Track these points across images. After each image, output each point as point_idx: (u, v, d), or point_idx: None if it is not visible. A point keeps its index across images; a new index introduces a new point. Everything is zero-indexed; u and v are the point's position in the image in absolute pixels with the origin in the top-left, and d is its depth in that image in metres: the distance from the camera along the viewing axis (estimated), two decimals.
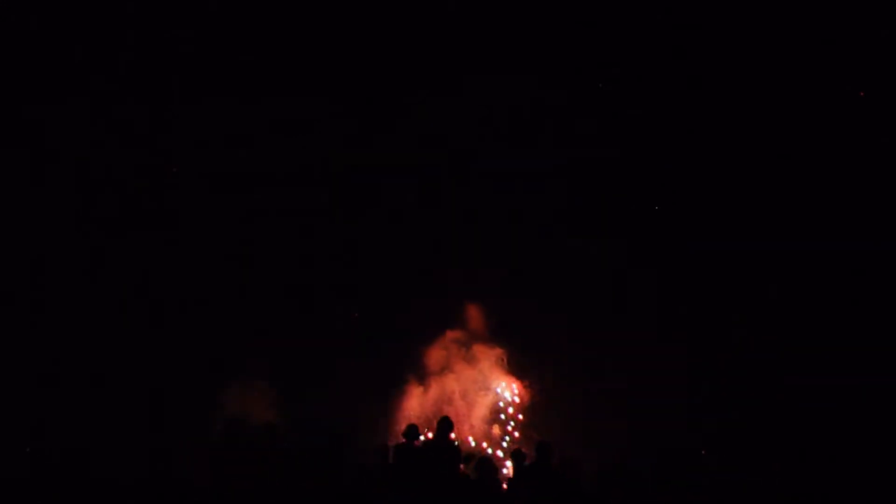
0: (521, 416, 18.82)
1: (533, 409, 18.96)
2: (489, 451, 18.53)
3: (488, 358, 19.30)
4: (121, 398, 18.18)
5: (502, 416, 19.00)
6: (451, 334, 19.62)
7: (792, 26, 19.43)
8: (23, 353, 18.18)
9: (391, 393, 19.10)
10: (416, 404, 18.71)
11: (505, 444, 18.46)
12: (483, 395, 18.96)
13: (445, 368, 19.17)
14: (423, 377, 19.19)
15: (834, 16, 18.88)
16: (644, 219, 20.95)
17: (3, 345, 17.94)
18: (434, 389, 18.90)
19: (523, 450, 13.47)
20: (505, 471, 15.91)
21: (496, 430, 18.70)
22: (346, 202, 21.36)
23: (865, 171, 18.63)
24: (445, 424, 12.18)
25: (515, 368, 19.42)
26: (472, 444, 18.59)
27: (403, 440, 12.33)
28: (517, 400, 19.06)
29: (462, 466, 12.12)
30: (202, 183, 21.29)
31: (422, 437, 13.91)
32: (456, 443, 12.60)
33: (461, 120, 21.44)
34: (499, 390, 19.17)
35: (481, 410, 18.67)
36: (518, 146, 21.46)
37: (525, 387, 19.19)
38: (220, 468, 11.29)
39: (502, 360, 19.32)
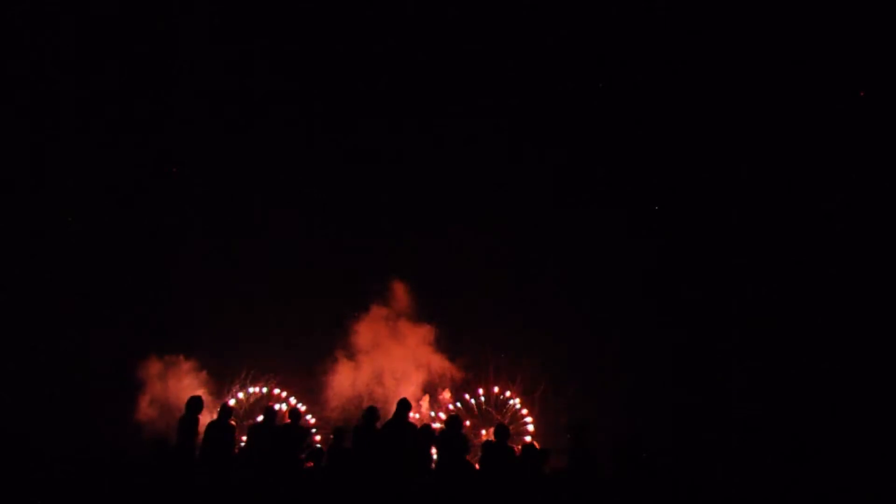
0: (448, 394, 18.87)
1: (462, 387, 19.09)
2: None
3: (416, 335, 19.27)
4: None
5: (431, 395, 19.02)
6: (377, 311, 19.58)
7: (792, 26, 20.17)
8: None
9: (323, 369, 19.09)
10: (347, 382, 18.58)
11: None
12: (413, 373, 18.92)
13: (374, 346, 19.09)
14: (352, 354, 19.15)
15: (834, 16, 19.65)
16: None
17: None
18: (365, 367, 18.79)
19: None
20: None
21: (425, 406, 18.71)
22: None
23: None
24: (405, 405, 12.02)
25: (443, 346, 19.47)
26: None
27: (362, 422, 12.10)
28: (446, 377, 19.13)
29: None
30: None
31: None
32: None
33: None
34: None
35: (411, 388, 18.57)
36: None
37: (454, 364, 19.29)
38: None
39: (430, 337, 19.30)
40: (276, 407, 15.60)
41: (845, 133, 20.20)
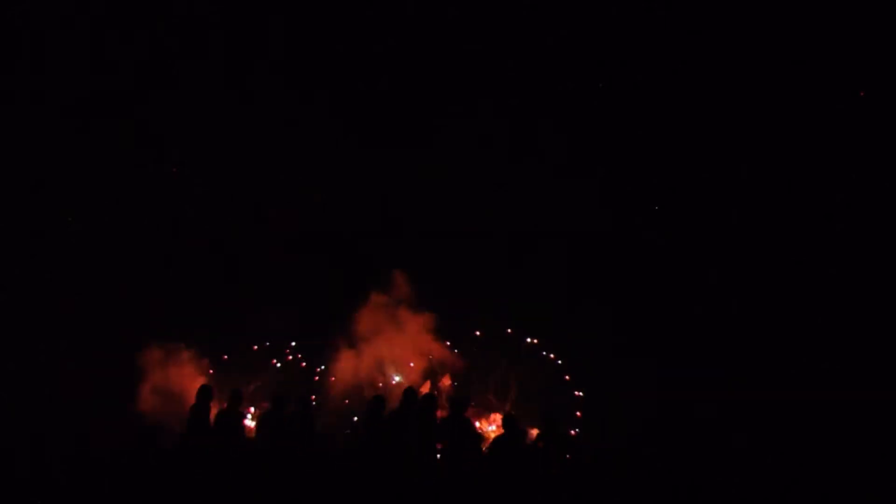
0: (449, 382, 18.76)
1: (462, 375, 19.01)
2: None
3: (416, 323, 19.19)
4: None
5: (432, 381, 18.86)
6: (376, 299, 19.44)
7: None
8: None
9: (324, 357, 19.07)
10: (348, 370, 18.49)
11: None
12: (414, 361, 18.86)
13: (374, 333, 18.98)
14: (353, 342, 19.00)
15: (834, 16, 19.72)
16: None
17: None
18: (365, 355, 18.71)
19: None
20: None
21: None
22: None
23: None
24: (411, 395, 11.88)
25: (443, 333, 19.39)
26: None
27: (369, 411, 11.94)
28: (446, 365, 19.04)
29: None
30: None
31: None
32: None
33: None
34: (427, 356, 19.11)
35: (412, 376, 18.50)
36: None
37: (454, 352, 19.21)
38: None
39: (430, 325, 19.24)
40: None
41: (845, 133, 20.25)
